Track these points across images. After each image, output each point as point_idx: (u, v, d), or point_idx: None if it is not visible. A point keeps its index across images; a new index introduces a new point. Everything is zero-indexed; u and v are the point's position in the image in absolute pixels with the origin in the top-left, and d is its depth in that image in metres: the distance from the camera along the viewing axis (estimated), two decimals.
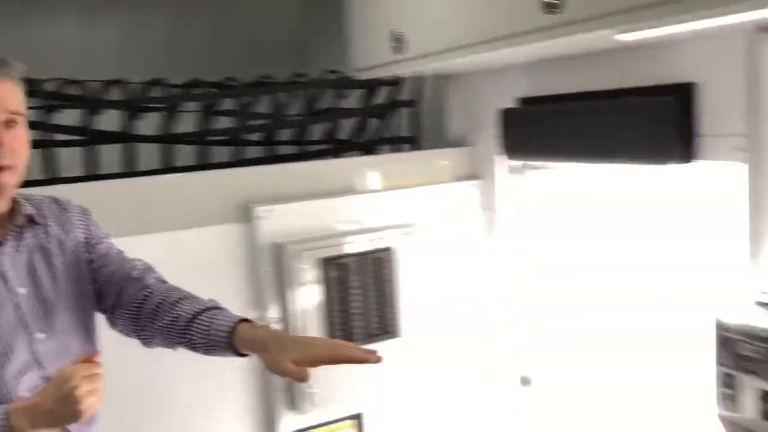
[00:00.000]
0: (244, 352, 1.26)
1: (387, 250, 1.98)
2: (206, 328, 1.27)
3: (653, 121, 1.47)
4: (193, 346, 1.30)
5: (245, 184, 1.87)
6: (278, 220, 1.85)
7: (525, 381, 2.13)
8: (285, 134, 2.08)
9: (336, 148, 2.12)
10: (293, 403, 1.88)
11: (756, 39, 1.27)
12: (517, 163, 2.05)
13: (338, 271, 1.90)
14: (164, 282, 1.38)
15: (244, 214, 1.84)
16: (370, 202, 2.00)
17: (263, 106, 2.04)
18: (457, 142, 2.22)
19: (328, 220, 1.92)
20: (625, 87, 1.57)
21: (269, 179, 1.90)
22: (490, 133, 2.04)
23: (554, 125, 1.77)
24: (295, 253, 1.84)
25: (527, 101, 1.91)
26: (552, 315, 2.03)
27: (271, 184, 1.89)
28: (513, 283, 2.10)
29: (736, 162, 1.35)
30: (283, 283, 1.85)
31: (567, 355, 1.98)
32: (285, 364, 1.19)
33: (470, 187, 2.14)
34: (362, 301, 1.94)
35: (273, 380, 1.86)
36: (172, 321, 1.30)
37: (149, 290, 1.34)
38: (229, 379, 1.84)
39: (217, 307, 1.32)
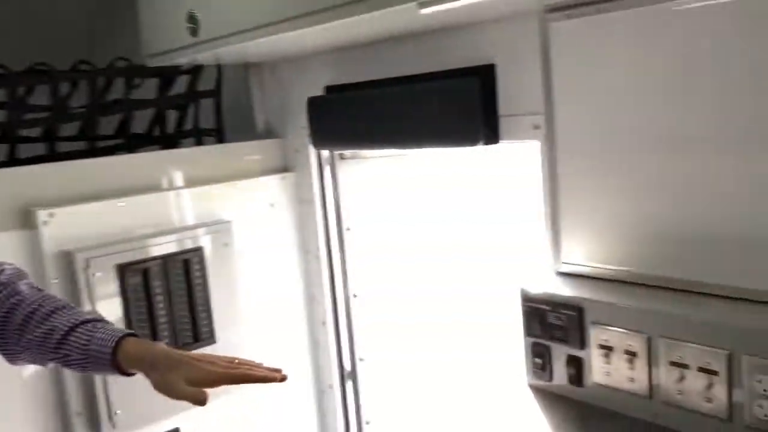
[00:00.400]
0: (130, 371, 1.16)
1: (196, 250, 1.84)
2: (85, 342, 1.14)
3: (459, 103, 1.49)
4: (68, 363, 1.16)
5: (24, 186, 1.63)
6: (66, 225, 1.64)
7: (349, 374, 2.10)
8: (69, 129, 1.86)
9: (130, 142, 1.94)
10: (94, 427, 1.68)
11: (546, 19, 1.32)
12: (331, 153, 2.01)
13: (140, 277, 1.73)
14: (39, 289, 1.22)
15: (25, 220, 1.61)
16: (173, 200, 1.84)
17: (42, 97, 1.80)
18: (266, 134, 2.14)
19: (126, 221, 1.74)
20: (430, 71, 1.58)
21: (53, 179, 1.68)
22: (299, 123, 1.98)
23: (362, 113, 1.75)
24: (86, 260, 1.64)
25: (335, 89, 1.87)
26: (377, 304, 2.02)
27: (56, 185, 1.67)
28: (334, 275, 2.06)
29: (535, 140, 1.40)
30: (75, 295, 1.64)
31: (393, 343, 1.98)
32: (179, 384, 1.09)
33: (282, 181, 2.06)
34: (170, 307, 1.78)
35: (69, 401, 1.65)
36: (46, 334, 1.15)
37: (19, 298, 1.17)
38: (15, 401, 1.59)
39: (98, 319, 1.19)
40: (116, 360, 1.14)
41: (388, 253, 1.95)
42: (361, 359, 2.09)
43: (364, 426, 2.13)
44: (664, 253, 1.22)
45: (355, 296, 2.07)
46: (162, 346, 1.20)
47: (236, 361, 1.17)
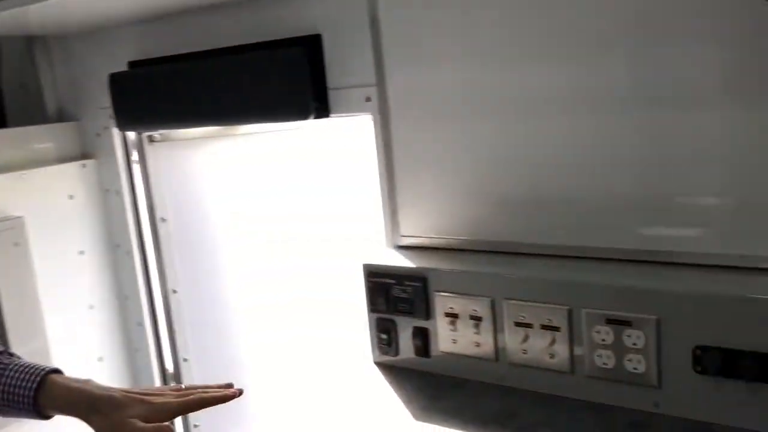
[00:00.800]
0: (50, 415, 1.03)
1: None
2: None
3: (283, 76, 1.41)
4: None
5: None
6: None
7: (172, 376, 1.94)
8: None
9: None
10: None
11: None
12: (139, 136, 1.83)
13: None
14: None
15: None
16: None
17: None
18: (59, 117, 1.89)
19: None
20: (250, 42, 1.48)
21: None
22: (99, 104, 1.77)
23: (176, 89, 1.59)
24: None
25: (141, 64, 1.69)
26: (200, 298, 1.88)
27: None
28: (149, 271, 1.88)
29: (367, 113, 1.36)
30: None
31: (221, 338, 1.86)
32: (134, 424, 0.97)
33: (82, 169, 1.84)
34: None
35: None
36: None
37: None
38: None
39: (2, 352, 1.07)
40: (38, 402, 1.00)
41: (212, 242, 1.81)
42: (185, 359, 1.94)
43: (192, 430, 1.98)
44: (500, 219, 1.24)
45: (174, 292, 1.91)
46: (93, 383, 1.05)
47: (183, 387, 1.09)
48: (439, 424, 1.11)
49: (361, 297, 1.35)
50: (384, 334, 1.32)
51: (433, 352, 1.27)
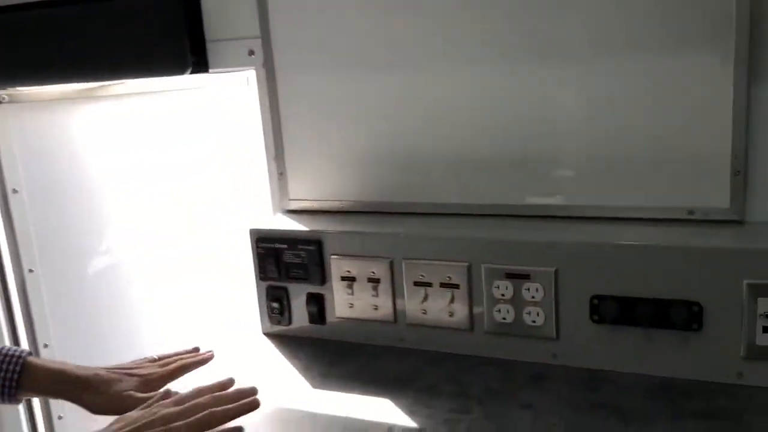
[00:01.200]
0: (23, 398, 0.99)
1: None
2: None
3: (158, 26, 1.29)
4: None
5: None
6: None
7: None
8: None
9: None
10: None
11: None
12: None
13: None
14: None
15: None
16: None
17: None
18: None
19: None
20: None
21: None
22: None
23: (27, 41, 1.42)
24: None
25: None
26: (64, 276, 1.70)
27: None
28: (3, 248, 1.68)
29: (251, 68, 1.28)
30: None
31: (88, 320, 1.69)
32: (134, 395, 0.97)
33: None
34: None
35: None
36: None
37: None
38: None
39: None
40: (20, 387, 0.97)
41: (77, 213, 1.64)
42: (45, 345, 1.75)
43: (56, 421, 1.81)
44: (393, 179, 1.21)
45: (31, 271, 1.72)
46: (70, 363, 1.04)
47: (156, 357, 1.10)
48: (338, 391, 1.06)
49: (248, 263, 1.27)
50: (275, 303, 1.25)
51: (329, 318, 1.22)
